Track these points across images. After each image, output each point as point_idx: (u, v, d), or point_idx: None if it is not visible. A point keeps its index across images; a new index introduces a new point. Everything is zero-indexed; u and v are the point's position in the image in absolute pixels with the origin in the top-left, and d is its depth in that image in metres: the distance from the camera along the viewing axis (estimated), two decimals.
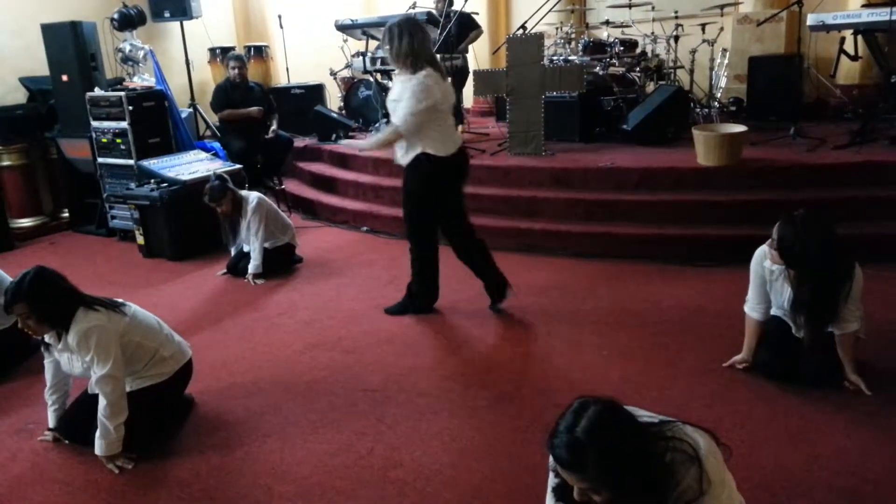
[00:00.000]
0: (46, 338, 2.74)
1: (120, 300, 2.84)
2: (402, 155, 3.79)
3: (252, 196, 4.82)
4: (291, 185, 7.07)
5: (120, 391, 2.67)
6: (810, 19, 5.48)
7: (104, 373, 2.61)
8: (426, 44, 3.66)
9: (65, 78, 6.12)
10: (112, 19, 6.70)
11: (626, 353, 3.47)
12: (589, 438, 1.51)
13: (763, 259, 2.99)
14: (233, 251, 5.04)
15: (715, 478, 1.61)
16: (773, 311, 3.10)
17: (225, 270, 5.01)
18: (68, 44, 5.99)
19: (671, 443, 1.62)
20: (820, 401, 2.90)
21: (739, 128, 5.19)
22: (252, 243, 4.77)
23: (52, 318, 2.64)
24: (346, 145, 3.73)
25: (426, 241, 3.95)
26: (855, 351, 2.97)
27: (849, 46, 5.57)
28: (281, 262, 4.99)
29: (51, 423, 2.92)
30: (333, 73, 8.52)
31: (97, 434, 2.65)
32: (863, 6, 5.73)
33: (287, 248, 5.02)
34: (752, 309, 3.14)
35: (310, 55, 8.96)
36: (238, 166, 5.98)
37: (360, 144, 4.18)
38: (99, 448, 2.66)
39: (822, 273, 2.76)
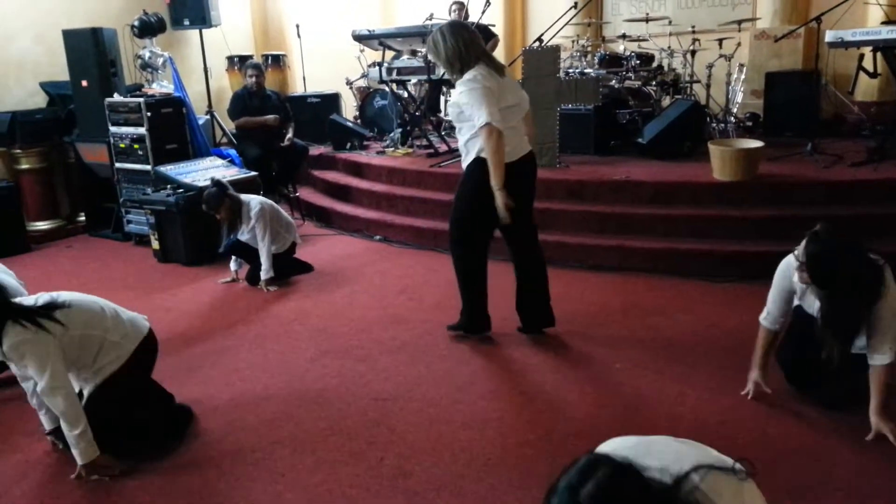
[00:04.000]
0: None
1: (54, 300, 2.68)
2: (463, 158, 3.59)
3: (253, 202, 4.77)
4: (306, 193, 7.10)
5: (68, 399, 2.57)
6: (829, 36, 5.46)
7: (44, 386, 2.54)
8: (474, 43, 3.47)
9: (84, 83, 6.19)
10: (132, 26, 6.77)
11: (639, 366, 3.44)
12: None
13: (790, 272, 2.85)
14: (224, 252, 5.02)
15: None
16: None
17: (229, 279, 5.01)
18: (89, 50, 6.05)
19: None
20: (836, 419, 2.87)
21: (756, 143, 5.17)
22: (260, 249, 4.75)
23: None
24: (504, 210, 3.35)
25: (469, 252, 3.70)
26: (888, 380, 2.74)
27: (868, 63, 5.54)
28: (289, 264, 5.02)
29: (46, 427, 2.89)
30: (349, 83, 8.58)
31: (70, 445, 2.61)
32: (883, 23, 5.69)
33: (292, 247, 5.04)
34: (771, 322, 3.02)
35: (326, 64, 9.02)
36: (253, 173, 6.02)
37: (495, 184, 3.35)
38: (79, 458, 2.61)
39: (853, 292, 2.61)
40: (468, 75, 3.41)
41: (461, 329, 3.88)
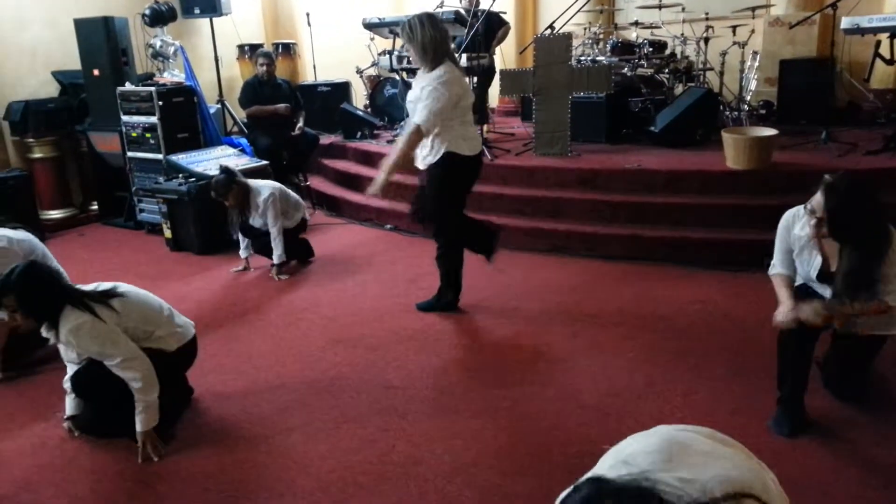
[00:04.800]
0: (43, 332, 2.72)
1: (113, 289, 2.79)
2: (427, 155, 3.74)
3: (264, 189, 4.77)
4: (316, 182, 7.11)
5: (143, 367, 2.67)
6: (845, 22, 5.39)
7: (116, 363, 2.64)
8: (446, 39, 3.63)
9: (96, 72, 6.21)
10: (144, 15, 6.78)
11: (651, 356, 3.44)
12: None
13: (792, 226, 2.77)
14: (239, 239, 5.02)
15: None
16: (799, 281, 2.88)
17: (241, 267, 5.04)
18: (100, 39, 6.07)
19: None
20: (847, 409, 2.86)
21: (769, 131, 5.13)
22: (273, 236, 4.77)
23: (39, 314, 2.65)
24: (374, 189, 3.70)
25: (455, 237, 3.96)
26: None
27: (884, 50, 5.47)
28: (297, 243, 5.08)
29: (67, 412, 2.95)
30: (360, 71, 8.55)
31: (136, 411, 2.69)
32: None
33: (302, 223, 5.11)
34: (780, 271, 2.91)
35: (337, 53, 9.00)
36: (264, 162, 6.04)
37: (386, 165, 3.67)
38: (141, 424, 2.70)
39: (872, 243, 2.50)
40: (437, 72, 3.55)
41: (439, 308, 4.08)
